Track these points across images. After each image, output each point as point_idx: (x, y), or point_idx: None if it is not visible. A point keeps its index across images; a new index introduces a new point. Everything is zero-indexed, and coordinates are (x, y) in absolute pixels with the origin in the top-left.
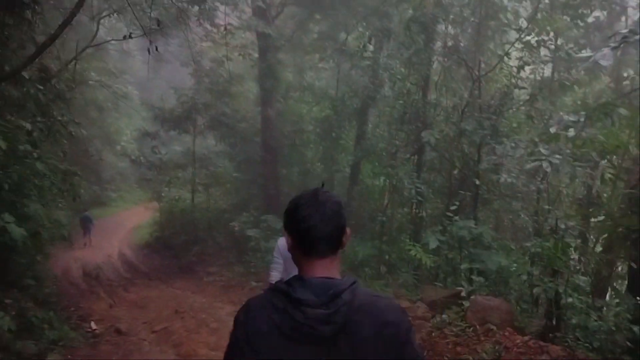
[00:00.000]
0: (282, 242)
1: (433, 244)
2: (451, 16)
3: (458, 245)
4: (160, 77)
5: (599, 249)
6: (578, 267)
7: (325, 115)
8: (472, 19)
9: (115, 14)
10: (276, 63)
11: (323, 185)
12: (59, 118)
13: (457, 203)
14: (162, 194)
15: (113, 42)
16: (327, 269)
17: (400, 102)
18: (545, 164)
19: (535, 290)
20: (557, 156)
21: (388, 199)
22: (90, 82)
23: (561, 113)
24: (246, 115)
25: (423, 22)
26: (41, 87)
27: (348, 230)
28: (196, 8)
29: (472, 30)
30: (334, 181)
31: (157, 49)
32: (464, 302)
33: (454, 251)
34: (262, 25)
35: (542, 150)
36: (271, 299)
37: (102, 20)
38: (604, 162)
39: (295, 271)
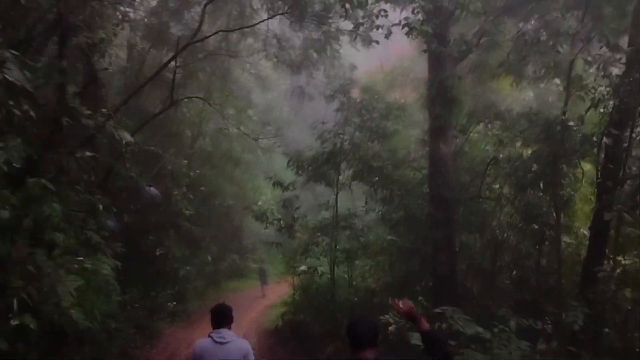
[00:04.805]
0: (198, 345)
1: None
2: None
3: None
4: (300, 116)
5: None
6: None
7: (533, 150)
8: None
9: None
10: (452, 76)
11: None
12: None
13: None
14: (297, 265)
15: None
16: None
17: None
18: None
19: None
20: None
21: None
22: (225, 130)
23: None
24: (407, 158)
25: None
26: None
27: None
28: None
29: None
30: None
31: None
32: None
33: None
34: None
35: None
36: None
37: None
38: None
39: None
